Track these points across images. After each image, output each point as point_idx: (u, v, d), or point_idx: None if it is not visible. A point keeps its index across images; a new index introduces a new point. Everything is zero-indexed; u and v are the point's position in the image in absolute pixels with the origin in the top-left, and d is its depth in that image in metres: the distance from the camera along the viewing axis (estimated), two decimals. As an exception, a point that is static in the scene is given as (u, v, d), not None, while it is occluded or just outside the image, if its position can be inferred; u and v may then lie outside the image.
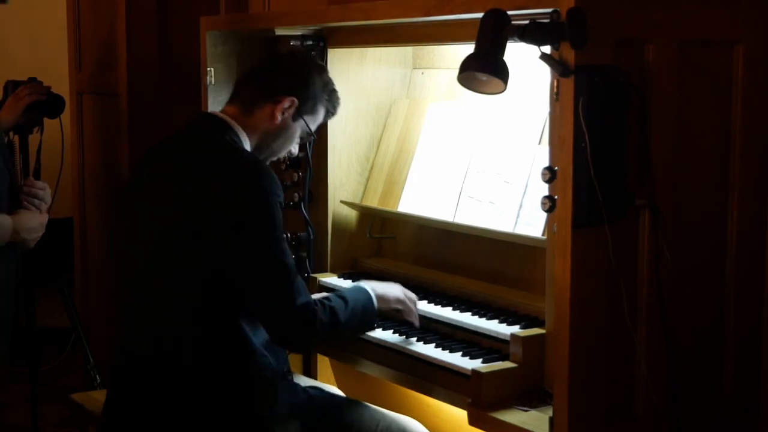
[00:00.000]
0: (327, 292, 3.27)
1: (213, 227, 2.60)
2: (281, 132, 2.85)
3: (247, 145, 2.82)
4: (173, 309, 2.66)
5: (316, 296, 2.77)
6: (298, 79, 2.86)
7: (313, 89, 2.88)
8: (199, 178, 2.65)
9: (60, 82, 4.23)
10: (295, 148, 2.96)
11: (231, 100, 2.88)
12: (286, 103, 2.81)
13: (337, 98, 2.97)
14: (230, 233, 2.60)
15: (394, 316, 2.97)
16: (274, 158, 2.95)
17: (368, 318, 2.83)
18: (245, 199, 2.61)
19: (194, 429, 2.66)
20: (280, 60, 2.95)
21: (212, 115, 2.85)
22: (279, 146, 2.89)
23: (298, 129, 2.88)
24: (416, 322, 2.91)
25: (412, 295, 2.95)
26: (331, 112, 2.96)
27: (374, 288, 2.87)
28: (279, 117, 2.82)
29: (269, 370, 2.71)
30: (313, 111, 2.89)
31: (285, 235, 3.43)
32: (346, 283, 3.28)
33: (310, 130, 2.90)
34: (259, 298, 2.63)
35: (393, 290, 2.91)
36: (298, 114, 2.84)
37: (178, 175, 2.70)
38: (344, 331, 2.78)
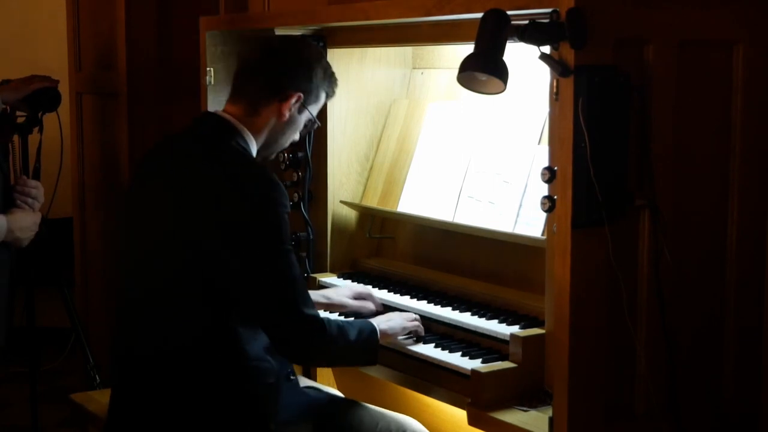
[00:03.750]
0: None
1: (216, 236, 2.57)
2: (288, 127, 2.84)
3: (254, 146, 2.79)
4: (171, 313, 2.65)
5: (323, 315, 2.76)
6: (301, 73, 2.83)
7: (316, 80, 2.85)
8: (205, 185, 2.62)
9: (60, 82, 4.22)
10: (297, 136, 2.95)
11: (233, 99, 2.82)
12: (293, 99, 2.79)
13: (336, 80, 2.94)
14: (237, 243, 2.57)
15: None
16: (281, 150, 2.94)
17: (370, 348, 2.77)
18: (253, 210, 2.59)
19: (199, 425, 2.65)
20: (277, 53, 2.87)
21: (216, 116, 2.80)
22: (286, 139, 2.88)
23: (303, 120, 2.87)
24: (421, 333, 2.88)
25: (412, 316, 2.90)
26: (330, 95, 2.94)
27: (378, 323, 2.82)
28: (287, 114, 2.80)
29: (272, 374, 2.70)
30: (316, 100, 2.88)
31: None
32: (346, 283, 3.29)
33: (314, 118, 2.89)
34: (266, 309, 2.61)
35: (395, 324, 2.85)
36: (303, 106, 2.84)
37: (183, 180, 2.67)
38: (348, 353, 2.75)
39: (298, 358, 2.74)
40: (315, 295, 3.03)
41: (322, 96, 2.90)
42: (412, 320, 2.88)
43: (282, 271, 2.59)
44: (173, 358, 2.65)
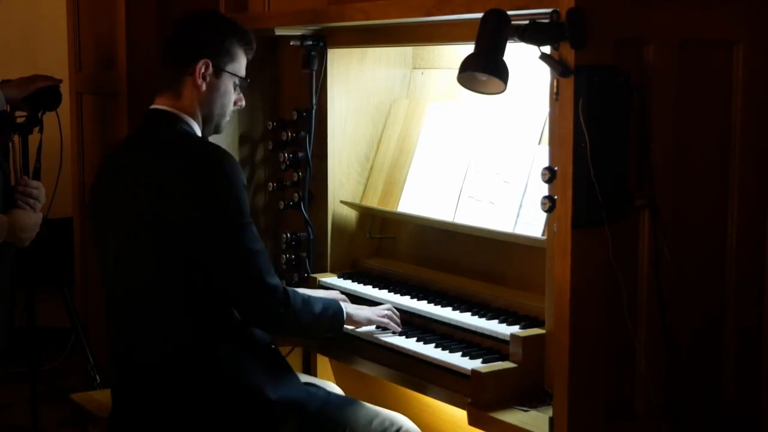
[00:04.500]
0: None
1: (183, 217, 2.63)
2: (213, 94, 2.84)
3: (197, 127, 2.84)
4: (161, 304, 2.69)
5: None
6: (197, 39, 2.84)
7: (216, 39, 2.84)
8: (163, 173, 2.67)
9: (62, 82, 4.22)
10: (241, 101, 2.93)
11: (159, 92, 2.86)
12: (201, 68, 2.80)
13: (245, 32, 2.91)
14: (199, 221, 2.64)
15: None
16: (227, 119, 2.92)
17: (334, 326, 2.90)
18: (210, 187, 2.65)
19: (196, 421, 2.69)
20: (173, 33, 2.90)
21: (159, 110, 2.83)
22: (221, 108, 2.87)
23: (228, 82, 2.86)
24: (396, 329, 2.95)
25: (383, 312, 2.97)
26: (248, 48, 2.91)
27: (346, 306, 2.94)
28: (202, 84, 2.81)
29: (260, 345, 2.77)
30: (231, 59, 2.86)
31: (285, 235, 3.45)
32: (346, 283, 3.29)
33: (239, 77, 2.88)
34: (231, 281, 2.69)
35: (363, 312, 2.96)
36: (219, 69, 2.83)
37: (143, 174, 2.72)
38: (313, 325, 2.84)
39: (266, 326, 2.80)
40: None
41: (237, 51, 2.87)
42: (382, 315, 2.95)
43: (244, 244, 2.67)
44: (172, 349, 2.69)
